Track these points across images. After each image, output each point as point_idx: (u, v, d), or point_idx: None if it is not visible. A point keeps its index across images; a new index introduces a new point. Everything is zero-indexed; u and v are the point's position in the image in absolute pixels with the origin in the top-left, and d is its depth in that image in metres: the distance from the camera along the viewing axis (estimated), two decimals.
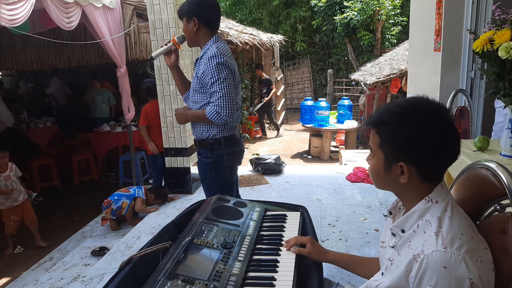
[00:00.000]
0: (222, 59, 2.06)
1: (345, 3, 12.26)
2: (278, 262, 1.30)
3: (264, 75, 9.23)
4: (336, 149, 7.81)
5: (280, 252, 1.36)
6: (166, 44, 2.25)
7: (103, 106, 7.04)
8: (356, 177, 4.63)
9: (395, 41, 12.39)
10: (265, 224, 1.58)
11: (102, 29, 4.03)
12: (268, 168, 5.06)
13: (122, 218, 4.09)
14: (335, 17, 12.71)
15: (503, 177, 1.02)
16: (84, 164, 6.33)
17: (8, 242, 4.13)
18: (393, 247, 1.06)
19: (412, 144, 0.97)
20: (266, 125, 9.91)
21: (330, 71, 13.22)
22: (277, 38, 10.80)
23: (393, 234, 1.06)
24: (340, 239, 3.15)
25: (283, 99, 11.91)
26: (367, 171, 4.45)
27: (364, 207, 3.80)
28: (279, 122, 10.99)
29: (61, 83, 8.16)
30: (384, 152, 1.02)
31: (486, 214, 1.10)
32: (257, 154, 6.05)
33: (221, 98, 2.06)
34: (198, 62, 2.20)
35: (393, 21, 12.26)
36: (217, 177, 2.26)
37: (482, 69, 2.50)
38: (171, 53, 2.26)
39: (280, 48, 11.85)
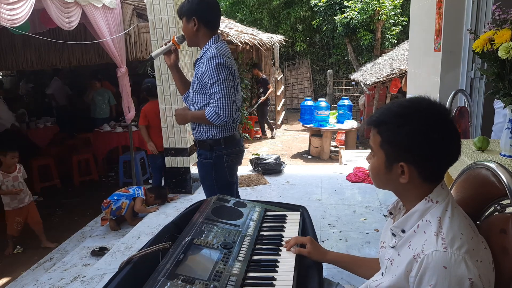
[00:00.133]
0: (222, 59, 2.06)
1: (345, 3, 12.26)
2: (278, 262, 1.30)
3: (261, 74, 9.18)
4: (336, 149, 7.81)
5: (280, 252, 1.36)
6: (165, 44, 2.24)
7: (103, 106, 7.04)
8: (356, 177, 4.63)
9: (395, 41, 12.39)
10: (265, 224, 1.58)
11: (102, 29, 4.03)
12: (268, 168, 5.06)
13: (122, 218, 4.09)
14: (335, 17, 12.71)
15: (503, 177, 1.02)
16: (84, 164, 6.33)
17: (8, 242, 4.13)
18: (393, 247, 1.06)
19: (413, 144, 0.97)
20: (266, 125, 9.90)
21: (330, 71, 13.22)
22: (277, 38, 10.80)
23: (393, 234, 1.06)
24: (340, 239, 3.15)
25: (283, 99, 11.91)
26: (367, 171, 4.45)
27: (364, 207, 3.80)
28: (279, 122, 11.00)
29: (62, 83, 8.17)
30: (385, 152, 1.02)
31: (486, 214, 1.10)
32: (257, 154, 6.05)
33: (221, 99, 2.05)
34: (197, 62, 2.19)
35: (393, 21, 12.27)
36: (217, 177, 2.26)
37: (482, 69, 2.50)
38: (170, 53, 2.25)
39: (280, 48, 11.85)
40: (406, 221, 1.02)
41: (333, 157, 7.77)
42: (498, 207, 1.05)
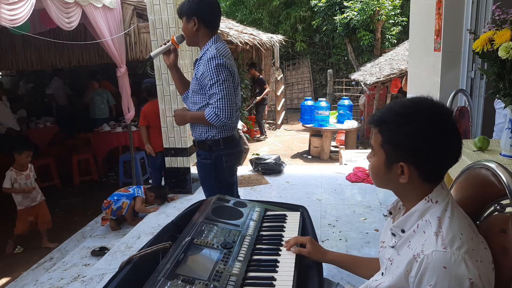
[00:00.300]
0: (222, 60, 2.05)
1: (345, 3, 12.27)
2: (278, 262, 1.30)
3: (258, 74, 9.15)
4: (336, 149, 7.81)
5: (280, 252, 1.36)
6: (165, 44, 2.23)
7: (102, 107, 7.03)
8: (356, 177, 4.63)
9: (395, 41, 12.39)
10: (265, 224, 1.58)
11: (102, 29, 4.03)
12: (268, 168, 5.06)
13: (122, 218, 4.09)
14: (335, 17, 12.72)
15: (503, 177, 1.02)
16: (84, 164, 6.33)
17: (9, 242, 4.13)
18: (393, 247, 1.06)
19: (413, 144, 0.97)
20: (266, 125, 9.90)
21: (330, 71, 13.23)
22: (277, 38, 10.81)
23: (393, 234, 1.06)
24: (340, 239, 3.15)
25: (283, 99, 11.91)
26: (367, 171, 4.45)
27: (364, 207, 3.80)
28: (279, 122, 11.00)
29: (62, 83, 8.16)
30: (385, 151, 1.02)
31: (486, 214, 1.10)
32: (257, 154, 6.05)
33: (220, 100, 2.05)
34: (197, 63, 2.19)
35: (393, 21, 12.27)
36: (217, 178, 2.25)
37: (482, 69, 2.50)
38: (170, 53, 2.24)
39: (280, 48, 11.85)
40: (405, 221, 1.02)
41: (333, 157, 7.78)
42: (498, 207, 1.04)
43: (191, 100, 2.24)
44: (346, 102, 8.41)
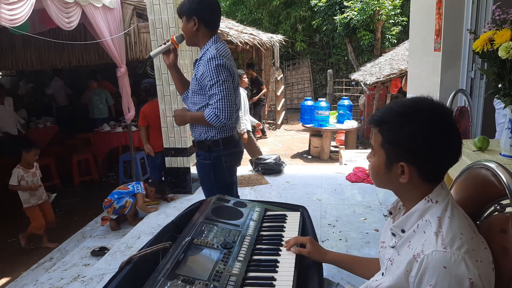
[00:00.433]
0: (221, 61, 2.04)
1: (345, 3, 12.27)
2: (278, 262, 1.30)
3: (255, 74, 9.12)
4: (336, 149, 7.81)
5: (280, 252, 1.36)
6: (164, 43, 2.22)
7: (100, 107, 7.01)
8: (356, 177, 4.63)
9: (395, 41, 12.39)
10: (265, 224, 1.57)
11: (102, 29, 4.03)
12: (268, 168, 5.06)
13: (122, 218, 4.09)
14: (335, 17, 12.72)
15: (503, 177, 1.02)
16: (84, 164, 6.33)
17: (21, 237, 4.13)
18: (393, 247, 1.06)
19: (413, 144, 0.97)
20: (266, 125, 9.90)
21: (330, 71, 13.22)
22: (277, 38, 10.80)
23: (393, 234, 1.06)
24: (340, 239, 3.15)
25: (283, 99, 11.91)
26: (367, 171, 4.45)
27: (364, 207, 3.80)
28: (279, 122, 11.00)
29: (62, 83, 8.16)
30: (385, 151, 1.02)
31: (486, 214, 1.10)
32: None
33: (220, 100, 2.04)
34: (197, 63, 2.18)
35: (393, 21, 12.27)
36: (216, 178, 2.25)
37: (482, 69, 2.50)
38: (169, 53, 2.23)
39: (280, 48, 11.85)
40: (406, 221, 1.02)
41: (333, 157, 7.78)
42: (498, 207, 1.04)
43: (191, 101, 2.23)
44: (346, 102, 8.41)
